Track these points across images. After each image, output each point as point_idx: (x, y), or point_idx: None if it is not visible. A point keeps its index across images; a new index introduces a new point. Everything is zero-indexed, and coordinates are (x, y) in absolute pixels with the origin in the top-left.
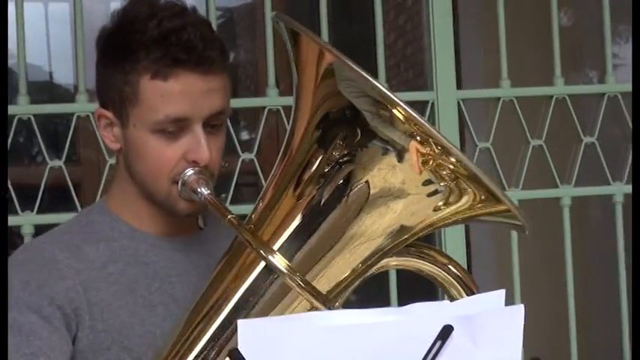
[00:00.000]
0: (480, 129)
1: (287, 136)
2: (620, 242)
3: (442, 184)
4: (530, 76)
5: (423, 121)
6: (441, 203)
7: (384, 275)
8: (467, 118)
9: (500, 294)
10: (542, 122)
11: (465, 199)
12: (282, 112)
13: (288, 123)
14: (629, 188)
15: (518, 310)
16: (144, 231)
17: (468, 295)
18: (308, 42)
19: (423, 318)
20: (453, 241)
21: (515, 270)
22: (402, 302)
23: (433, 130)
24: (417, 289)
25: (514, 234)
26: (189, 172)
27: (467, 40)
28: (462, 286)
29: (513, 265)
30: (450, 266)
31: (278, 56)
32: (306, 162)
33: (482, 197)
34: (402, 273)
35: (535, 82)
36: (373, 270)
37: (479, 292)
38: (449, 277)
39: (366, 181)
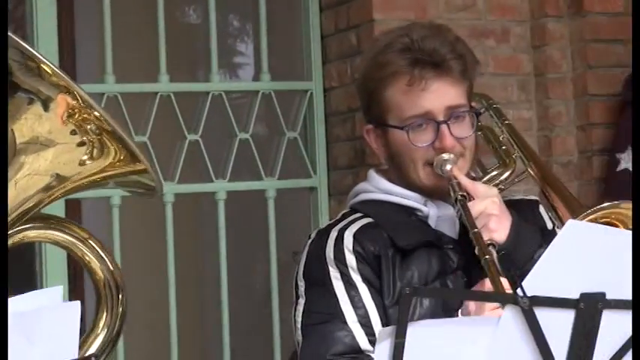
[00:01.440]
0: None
1: None
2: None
3: (88, 136)
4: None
5: (65, 75)
6: (87, 156)
7: None
8: None
9: (58, 290)
10: (148, 119)
11: (109, 154)
12: None
13: None
14: (231, 186)
15: (74, 306)
16: None
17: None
18: None
19: None
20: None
21: None
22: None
23: (74, 84)
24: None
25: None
26: None
27: (83, 33)
28: (99, 259)
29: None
30: (90, 241)
31: None
32: None
33: (123, 155)
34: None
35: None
36: (18, 236)
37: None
38: (87, 249)
39: (11, 130)
